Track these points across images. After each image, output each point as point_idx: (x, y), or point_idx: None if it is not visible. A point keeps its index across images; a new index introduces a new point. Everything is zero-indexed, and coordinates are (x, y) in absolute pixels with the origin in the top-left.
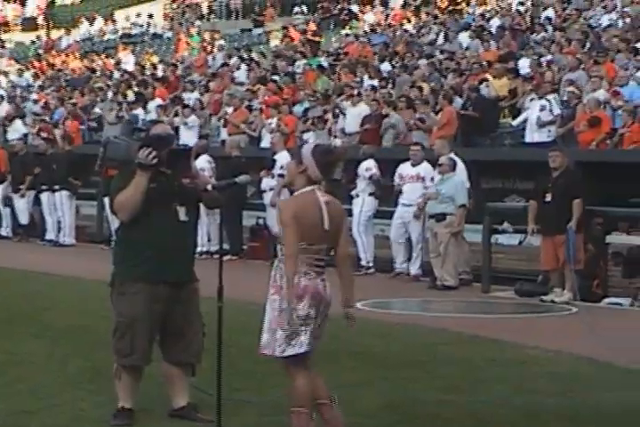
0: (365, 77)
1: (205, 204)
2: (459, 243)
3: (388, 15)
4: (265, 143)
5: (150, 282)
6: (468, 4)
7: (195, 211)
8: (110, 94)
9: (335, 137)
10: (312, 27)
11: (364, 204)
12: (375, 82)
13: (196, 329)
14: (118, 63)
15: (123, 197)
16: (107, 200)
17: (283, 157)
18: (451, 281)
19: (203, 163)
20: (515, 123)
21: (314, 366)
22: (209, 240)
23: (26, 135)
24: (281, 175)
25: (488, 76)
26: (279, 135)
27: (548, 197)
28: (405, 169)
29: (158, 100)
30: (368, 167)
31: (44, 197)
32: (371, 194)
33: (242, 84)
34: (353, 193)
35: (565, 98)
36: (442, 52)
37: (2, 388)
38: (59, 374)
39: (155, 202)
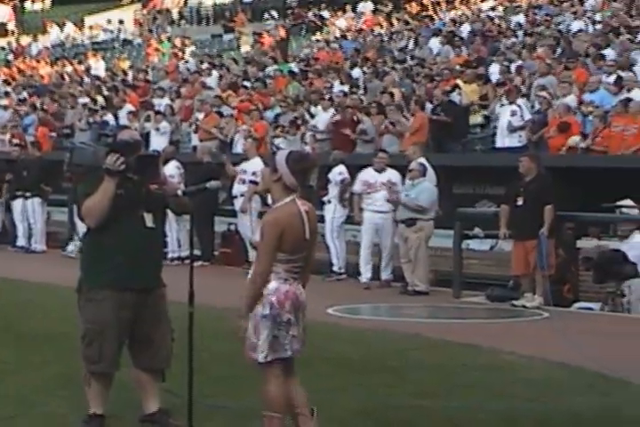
0: (336, 83)
1: (173, 209)
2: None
3: (359, 21)
4: (237, 149)
5: (118, 289)
6: (435, 12)
7: (162, 217)
8: (81, 100)
9: (306, 143)
10: (282, 32)
11: (335, 210)
12: (346, 87)
13: (165, 334)
14: (89, 69)
15: (90, 203)
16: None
17: (254, 164)
18: (422, 286)
19: (172, 169)
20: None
21: (297, 374)
22: (180, 246)
23: None
24: (252, 182)
25: (459, 81)
26: (251, 141)
27: (520, 202)
28: (373, 176)
29: (129, 106)
30: (340, 172)
31: (16, 203)
32: (343, 200)
33: (213, 89)
34: (325, 199)
35: (536, 103)
36: (412, 57)
37: None
38: (33, 380)
39: (122, 208)
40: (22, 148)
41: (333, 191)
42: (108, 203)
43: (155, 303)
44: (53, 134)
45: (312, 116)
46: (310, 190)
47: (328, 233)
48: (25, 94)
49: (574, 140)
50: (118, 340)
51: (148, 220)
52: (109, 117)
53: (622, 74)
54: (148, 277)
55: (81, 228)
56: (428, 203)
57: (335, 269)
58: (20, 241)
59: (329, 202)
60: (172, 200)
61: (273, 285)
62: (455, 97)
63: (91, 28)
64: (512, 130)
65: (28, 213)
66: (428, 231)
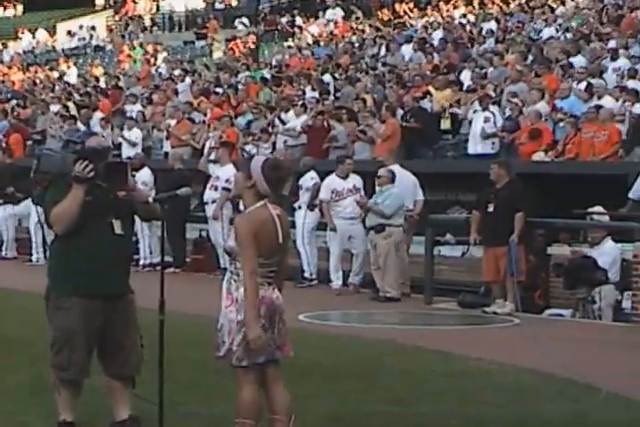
0: (308, 89)
1: (141, 216)
2: (400, 254)
3: (331, 27)
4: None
5: (86, 296)
6: (409, 18)
7: (130, 224)
8: (53, 107)
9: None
10: (252, 39)
11: (306, 215)
12: (318, 94)
13: (134, 341)
14: (61, 76)
15: (59, 210)
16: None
17: (227, 170)
18: (392, 293)
19: (144, 176)
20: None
21: (280, 379)
22: (151, 253)
23: None
24: (225, 188)
25: (430, 88)
26: (224, 148)
27: (490, 209)
28: (340, 183)
29: (100, 113)
30: (312, 177)
31: None
32: (313, 206)
33: (183, 95)
34: (295, 205)
35: (507, 110)
36: (384, 64)
37: None
38: (2, 387)
39: (90, 215)
40: None
41: (304, 197)
42: (77, 210)
43: (124, 310)
44: (29, 142)
45: (283, 122)
46: (282, 197)
47: (299, 239)
48: None
49: (539, 155)
50: (87, 347)
51: (117, 226)
52: (80, 125)
53: (593, 81)
54: (116, 283)
55: (48, 235)
56: (392, 209)
57: (306, 275)
58: None
59: (299, 208)
60: (141, 207)
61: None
62: (426, 104)
63: (65, 33)
64: (485, 136)
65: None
66: (398, 237)
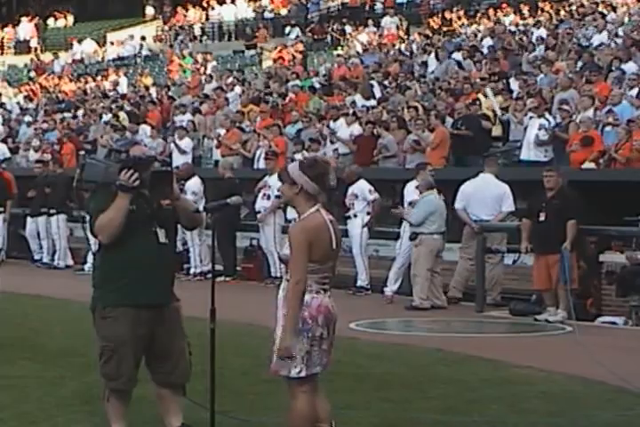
0: (358, 98)
1: (184, 225)
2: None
3: (380, 35)
4: (260, 164)
5: (132, 306)
6: (459, 26)
7: (174, 233)
8: (104, 117)
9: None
10: (300, 47)
11: (362, 224)
12: (368, 102)
13: (182, 349)
14: (116, 85)
15: (105, 220)
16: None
17: (277, 179)
18: (417, 301)
19: (194, 186)
20: None
21: (321, 389)
22: (201, 261)
23: (9, 158)
24: (277, 196)
25: (480, 95)
26: (272, 158)
27: (542, 217)
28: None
29: (151, 122)
30: (370, 189)
31: (40, 220)
32: (368, 214)
33: (233, 104)
34: (350, 213)
35: (558, 117)
36: (433, 72)
37: None
38: (52, 396)
39: (134, 224)
40: (44, 164)
41: (359, 206)
42: (122, 219)
43: (169, 318)
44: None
45: (333, 131)
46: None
47: (356, 248)
48: (44, 111)
49: (589, 164)
50: (135, 357)
51: (161, 235)
52: (129, 134)
53: None
54: (161, 292)
55: (93, 244)
56: (418, 217)
57: (362, 284)
58: (44, 257)
59: (355, 216)
60: (184, 215)
61: (305, 298)
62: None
63: (112, 44)
64: (539, 144)
65: (52, 229)
66: (431, 245)
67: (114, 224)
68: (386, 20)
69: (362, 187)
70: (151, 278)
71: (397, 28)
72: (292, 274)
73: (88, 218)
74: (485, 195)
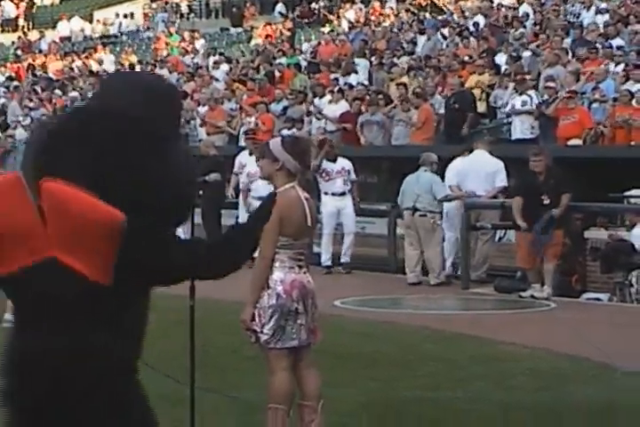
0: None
1: None
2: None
3: (367, 13)
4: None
5: None
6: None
7: None
8: (90, 95)
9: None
10: (289, 25)
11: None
12: (354, 80)
13: None
14: (99, 63)
15: None
16: None
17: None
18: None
19: None
20: None
21: (313, 364)
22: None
23: None
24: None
25: (467, 72)
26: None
27: (547, 201)
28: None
29: None
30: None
31: None
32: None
33: (220, 82)
34: (331, 192)
35: (544, 93)
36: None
37: None
38: None
39: None
40: None
41: (348, 184)
42: None
43: None
44: None
45: (319, 112)
46: (308, 181)
47: (352, 226)
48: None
49: (575, 141)
50: None
51: None
52: None
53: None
54: None
55: None
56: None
57: (346, 260)
58: None
59: (345, 194)
60: None
61: (278, 275)
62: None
63: (99, 21)
64: (517, 113)
65: None
66: (419, 224)
67: None
68: None
69: (348, 164)
70: None
71: (383, 4)
72: (260, 247)
73: None
74: (480, 171)
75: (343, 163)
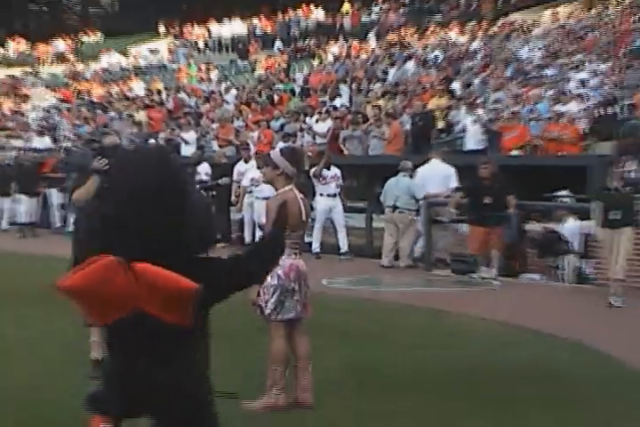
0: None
1: None
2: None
3: (348, 48)
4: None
5: None
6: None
7: None
8: (125, 115)
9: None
10: (285, 58)
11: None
12: (338, 102)
13: None
14: (131, 89)
15: (80, 195)
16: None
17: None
18: (385, 262)
19: (204, 169)
20: None
21: (305, 333)
22: None
23: (50, 149)
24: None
25: (428, 96)
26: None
27: (488, 200)
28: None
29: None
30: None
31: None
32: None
33: (230, 104)
34: (326, 193)
35: (491, 113)
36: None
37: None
38: None
39: None
40: None
41: (338, 187)
42: (92, 193)
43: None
44: None
45: (310, 128)
46: (304, 185)
47: (342, 220)
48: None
49: (516, 152)
50: None
51: None
52: (145, 128)
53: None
54: None
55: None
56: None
57: (344, 249)
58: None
59: (336, 195)
60: None
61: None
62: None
63: (132, 56)
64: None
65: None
66: (397, 220)
67: (85, 196)
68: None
69: (338, 171)
70: None
71: (361, 41)
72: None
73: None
74: (437, 175)
75: (335, 170)
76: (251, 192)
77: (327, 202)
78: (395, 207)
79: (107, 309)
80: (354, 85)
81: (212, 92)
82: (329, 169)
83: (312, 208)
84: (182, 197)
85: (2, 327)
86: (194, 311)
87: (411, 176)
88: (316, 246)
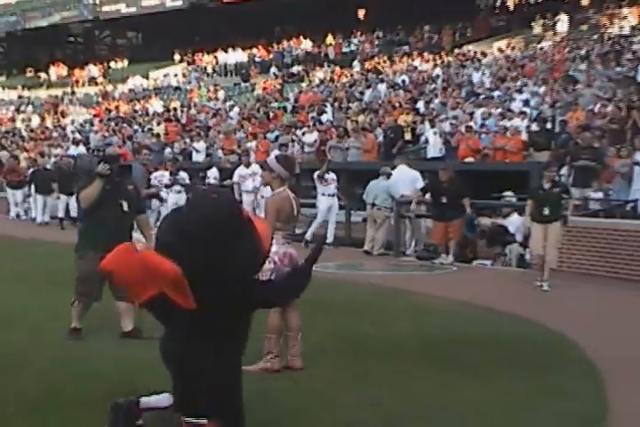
0: (315, 115)
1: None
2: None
3: (332, 73)
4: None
5: (101, 250)
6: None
7: (134, 205)
8: (146, 128)
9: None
10: (279, 81)
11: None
12: (324, 118)
13: None
14: (152, 107)
15: (85, 194)
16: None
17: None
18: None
19: (214, 173)
20: None
21: (296, 308)
22: None
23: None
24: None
25: (397, 113)
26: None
27: (445, 200)
28: (326, 175)
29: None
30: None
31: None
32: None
33: (233, 119)
34: (327, 193)
35: (449, 127)
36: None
37: None
38: None
39: (108, 198)
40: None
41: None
42: (95, 194)
43: None
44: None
45: (300, 139)
46: (297, 185)
47: (335, 216)
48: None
49: (469, 159)
50: (99, 282)
51: (125, 206)
52: (162, 139)
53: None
54: (121, 241)
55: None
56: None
57: (330, 240)
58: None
59: (332, 195)
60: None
61: (275, 248)
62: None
63: (153, 79)
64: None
65: None
66: (376, 215)
67: (89, 197)
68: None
69: (334, 175)
70: (115, 233)
71: (342, 67)
72: None
73: (77, 191)
74: (405, 179)
75: (332, 174)
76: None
77: (328, 201)
78: (373, 204)
79: (136, 289)
80: (336, 104)
81: (219, 109)
82: (328, 173)
83: (314, 206)
84: (237, 235)
85: (39, 305)
86: (190, 295)
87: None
88: (309, 235)
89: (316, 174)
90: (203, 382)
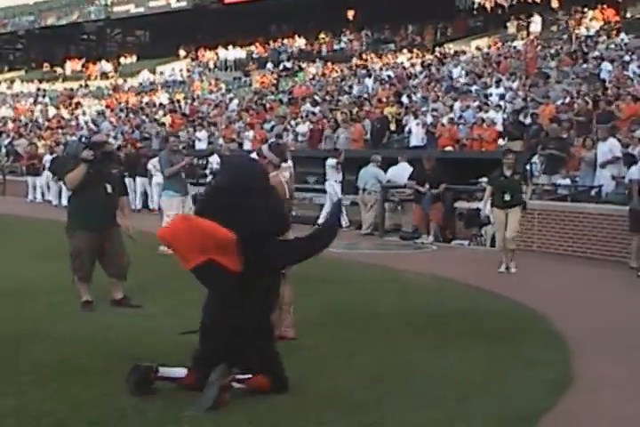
0: (309, 106)
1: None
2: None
3: (323, 68)
4: (246, 146)
5: (88, 229)
6: (372, 62)
7: (118, 187)
8: (152, 118)
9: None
10: (275, 75)
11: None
12: (316, 109)
13: (122, 254)
14: (159, 99)
15: (70, 177)
16: None
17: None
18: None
19: (214, 160)
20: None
21: (290, 283)
22: None
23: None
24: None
25: (383, 105)
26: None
27: (427, 186)
28: (329, 161)
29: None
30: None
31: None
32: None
33: (233, 111)
34: (338, 180)
35: (430, 119)
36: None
37: None
38: None
39: (92, 181)
40: (124, 146)
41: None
42: (80, 177)
43: (113, 235)
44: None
45: (294, 129)
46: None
47: (334, 198)
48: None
49: (449, 148)
50: (90, 259)
51: (109, 188)
52: (168, 128)
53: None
54: (107, 221)
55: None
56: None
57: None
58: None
59: (336, 181)
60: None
61: None
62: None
63: (160, 73)
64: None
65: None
66: (366, 199)
67: (74, 180)
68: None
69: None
70: (100, 213)
71: (333, 64)
72: None
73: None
74: (404, 172)
75: (334, 161)
76: None
77: (338, 186)
78: (364, 189)
79: (187, 255)
80: (327, 97)
81: (220, 101)
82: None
83: (324, 191)
84: (264, 193)
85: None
86: (239, 258)
87: (380, 167)
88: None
89: (335, 162)
90: (273, 336)
